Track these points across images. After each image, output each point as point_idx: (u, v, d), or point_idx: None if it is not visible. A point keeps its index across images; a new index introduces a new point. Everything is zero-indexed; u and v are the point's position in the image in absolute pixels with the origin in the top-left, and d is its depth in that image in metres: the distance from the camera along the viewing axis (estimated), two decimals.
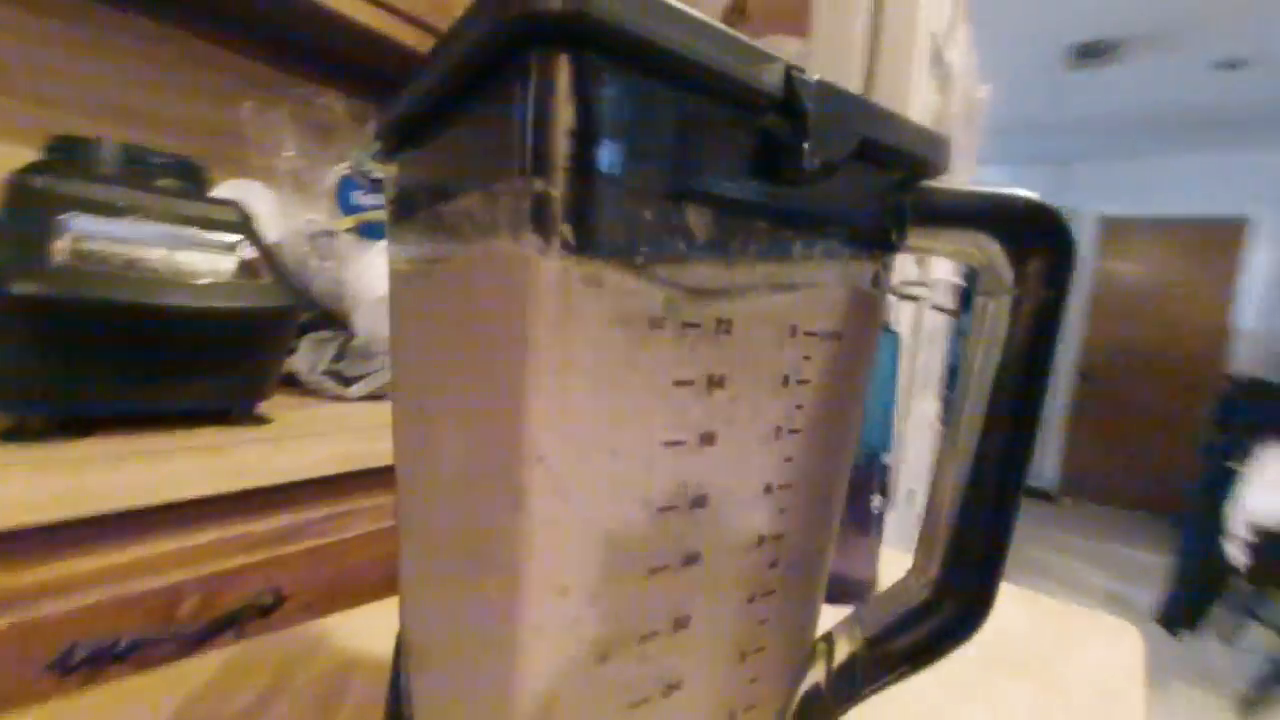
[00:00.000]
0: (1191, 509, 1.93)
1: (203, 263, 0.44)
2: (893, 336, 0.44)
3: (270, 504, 0.49)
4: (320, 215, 0.77)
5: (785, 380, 0.17)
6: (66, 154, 0.44)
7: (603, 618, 0.15)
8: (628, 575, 0.15)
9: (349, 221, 0.74)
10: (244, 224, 0.50)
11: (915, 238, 0.20)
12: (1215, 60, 2.37)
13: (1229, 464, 1.62)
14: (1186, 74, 2.48)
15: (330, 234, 0.74)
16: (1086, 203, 3.56)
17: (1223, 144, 3.23)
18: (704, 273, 0.15)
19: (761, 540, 0.18)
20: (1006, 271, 0.21)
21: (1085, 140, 3.31)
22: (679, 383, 0.15)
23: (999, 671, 0.36)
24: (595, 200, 0.13)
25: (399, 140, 0.20)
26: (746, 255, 0.16)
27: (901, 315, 1.04)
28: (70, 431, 0.43)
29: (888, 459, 0.40)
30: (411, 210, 0.20)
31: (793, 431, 0.18)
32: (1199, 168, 3.34)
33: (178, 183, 0.49)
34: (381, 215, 0.76)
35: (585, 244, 0.13)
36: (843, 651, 0.21)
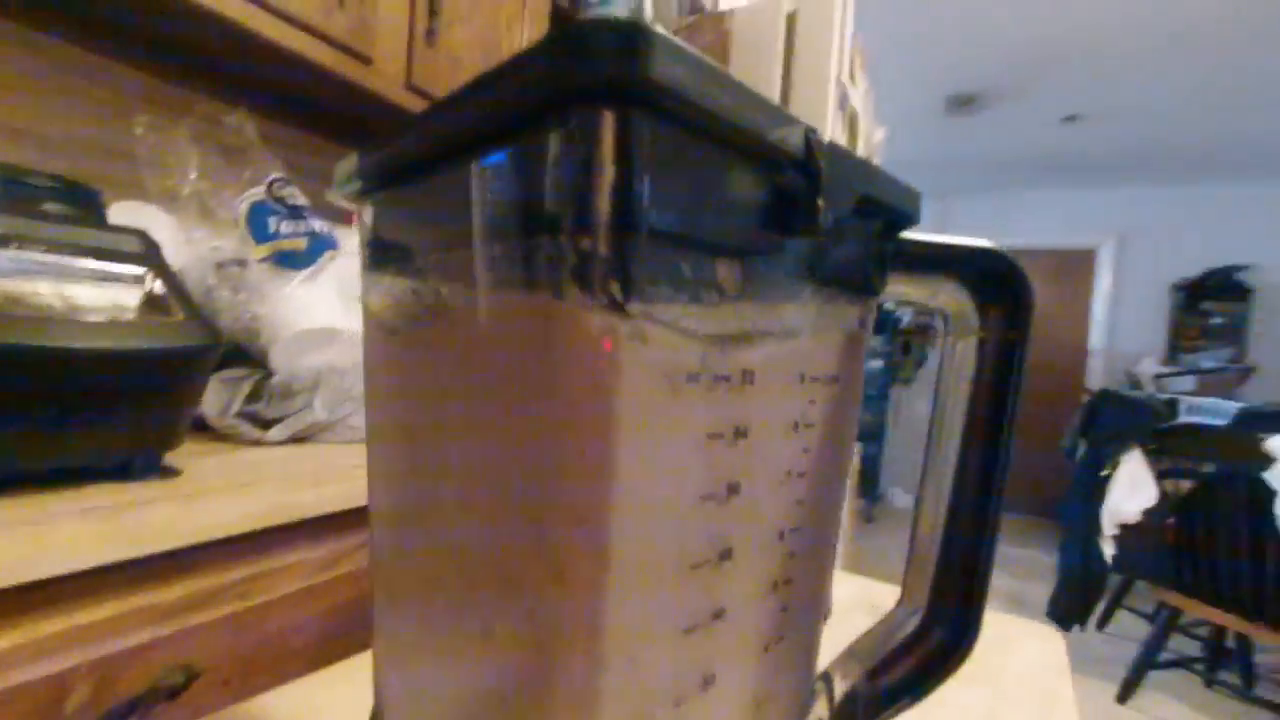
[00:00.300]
0: (1068, 512, 2.14)
1: (100, 298, 0.39)
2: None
3: (180, 568, 0.44)
4: (228, 243, 0.71)
5: (795, 426, 0.18)
6: None
7: (642, 686, 0.14)
8: (665, 637, 0.15)
9: (263, 250, 0.69)
10: (149, 254, 0.45)
11: (893, 284, 0.21)
12: (1061, 114, 2.74)
13: (1101, 473, 1.82)
14: (1038, 124, 2.85)
15: (241, 263, 0.69)
16: (963, 234, 3.94)
17: (1073, 184, 3.71)
18: (732, 324, 0.15)
19: (775, 587, 0.18)
20: (973, 315, 0.22)
21: (961, 178, 3.70)
22: (712, 435, 0.15)
23: (952, 681, 0.38)
24: (638, 256, 0.13)
25: (382, 182, 0.19)
26: (767, 303, 0.16)
27: None
28: None
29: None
30: (399, 256, 0.19)
31: (800, 475, 0.18)
32: (1055, 203, 3.81)
33: (67, 208, 0.43)
34: (300, 244, 0.71)
35: (629, 299, 0.12)
36: (841, 688, 0.22)
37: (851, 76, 1.27)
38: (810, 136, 0.15)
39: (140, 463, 0.44)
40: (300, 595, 0.52)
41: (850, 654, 0.23)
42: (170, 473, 0.46)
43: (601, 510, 0.13)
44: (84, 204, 0.44)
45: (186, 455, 0.51)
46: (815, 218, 0.16)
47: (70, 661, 0.38)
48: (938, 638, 0.22)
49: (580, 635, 0.13)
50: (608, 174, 0.12)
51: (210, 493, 0.47)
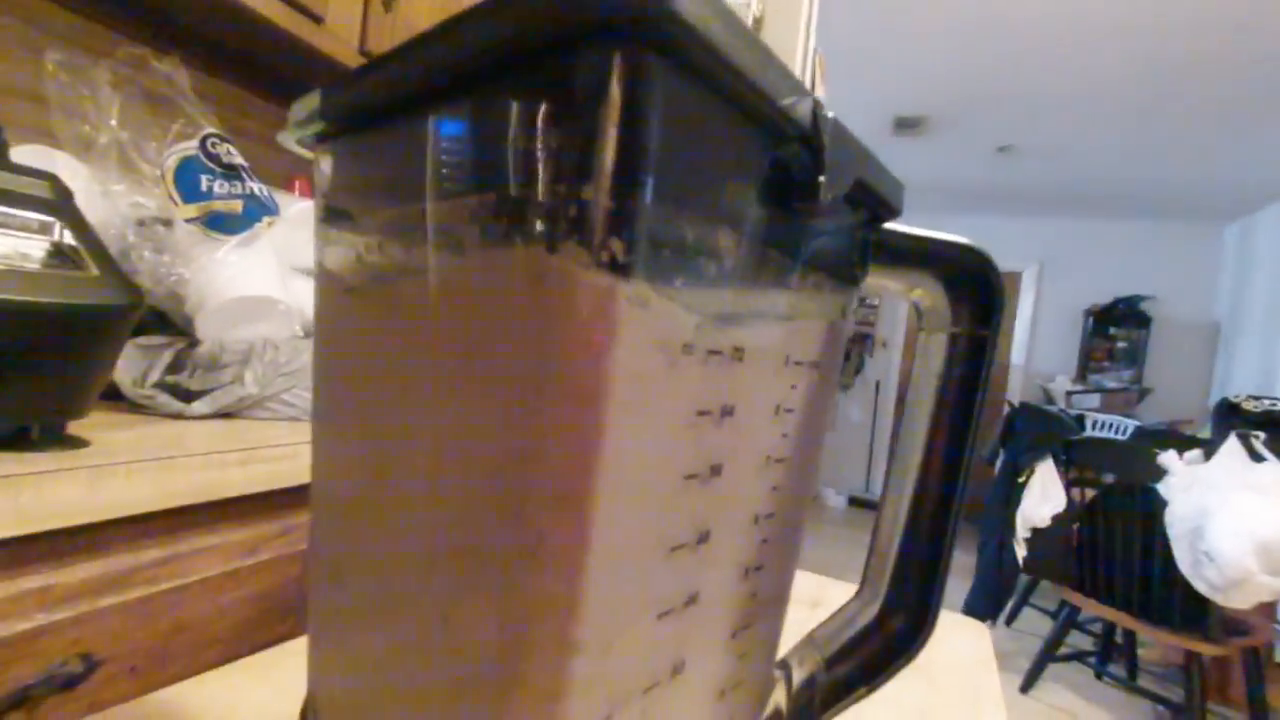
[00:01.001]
0: (987, 516, 2.28)
1: (3, 245, 0.35)
2: None
3: (82, 548, 0.40)
4: (151, 200, 0.65)
5: (777, 409, 0.17)
6: None
7: (614, 673, 0.14)
8: (640, 622, 0.14)
9: (192, 210, 0.63)
10: (59, 202, 0.40)
11: (873, 275, 0.21)
12: (996, 144, 2.91)
13: (1019, 480, 1.94)
14: (976, 152, 3.02)
15: (166, 223, 0.63)
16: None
17: (1002, 211, 3.95)
18: (727, 298, 0.14)
19: (747, 573, 0.18)
20: (947, 311, 0.23)
21: (907, 198, 3.87)
22: (701, 412, 0.14)
23: None
24: (644, 215, 0.12)
25: (350, 123, 0.17)
26: (760, 283, 0.15)
27: None
28: None
29: None
30: (361, 208, 0.17)
31: (778, 460, 0.18)
32: (985, 228, 4.03)
33: None
34: (235, 206, 0.66)
35: (632, 261, 0.12)
36: (800, 676, 0.22)
37: (812, 86, 1.29)
38: (818, 109, 0.15)
39: (40, 430, 0.39)
40: (220, 580, 0.48)
41: (809, 642, 0.23)
42: (76, 443, 0.42)
43: (586, 486, 0.12)
44: None
45: (96, 426, 0.47)
46: (815, 194, 0.15)
47: None
48: (895, 626, 0.22)
49: (553, 619, 0.12)
50: (617, 121, 0.11)
51: (121, 467, 0.43)
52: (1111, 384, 3.67)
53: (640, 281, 0.12)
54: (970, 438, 0.23)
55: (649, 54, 0.11)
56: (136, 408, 0.55)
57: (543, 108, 0.12)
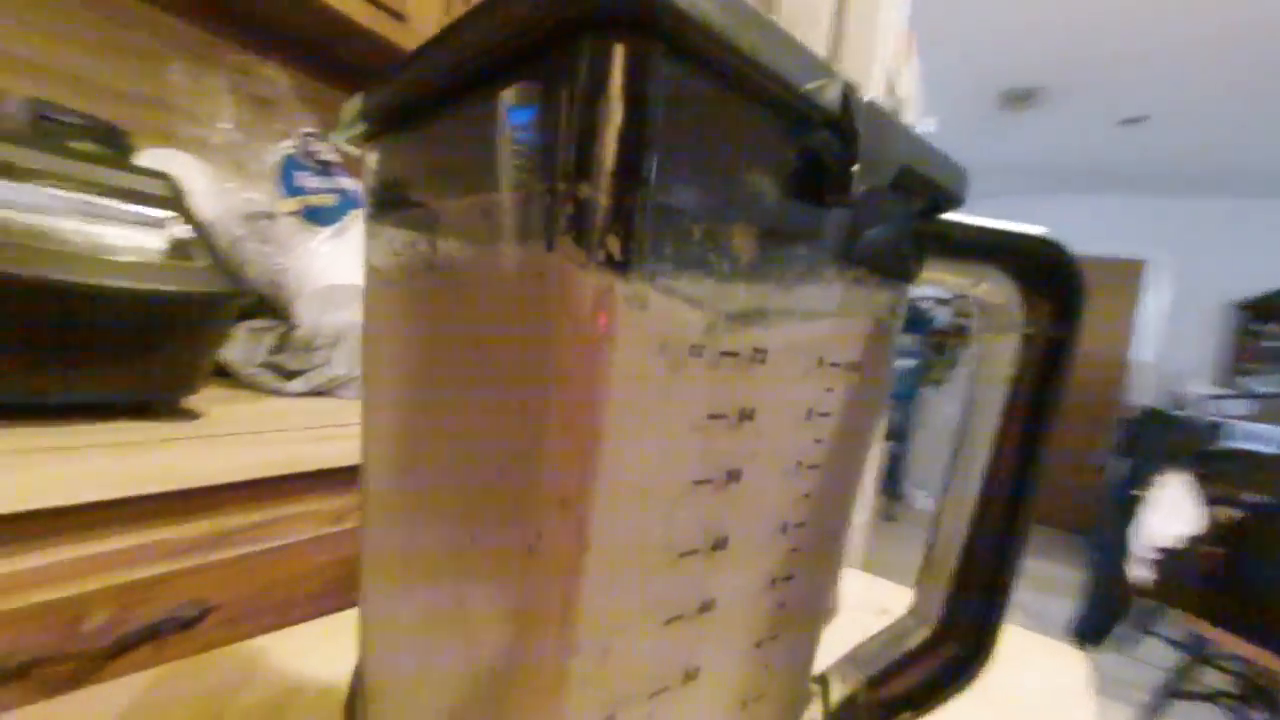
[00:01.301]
0: (1100, 532, 2.07)
1: (125, 238, 0.40)
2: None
3: (195, 508, 0.45)
4: (259, 195, 0.71)
5: (809, 413, 0.16)
6: None
7: (615, 674, 0.13)
8: (644, 626, 0.14)
9: (292, 204, 0.69)
10: (176, 199, 0.45)
11: (930, 269, 0.20)
12: (1122, 115, 2.59)
13: (1133, 491, 1.75)
14: (1096, 125, 2.70)
15: (270, 216, 0.69)
16: None
17: (1126, 190, 3.53)
18: (745, 297, 0.14)
19: (774, 582, 0.17)
20: (1017, 310, 0.20)
21: (1006, 181, 3.55)
22: (713, 415, 0.13)
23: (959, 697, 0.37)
24: (642, 210, 0.11)
25: (386, 123, 0.18)
26: (786, 280, 0.14)
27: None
28: None
29: None
30: (399, 203, 0.18)
31: (812, 467, 0.17)
32: (1105, 210, 3.63)
33: (96, 147, 0.43)
34: (329, 200, 0.71)
35: (631, 259, 0.11)
36: (838, 693, 0.21)
37: (901, 60, 1.21)
38: (850, 93, 0.13)
39: (159, 403, 0.45)
40: (308, 544, 0.52)
41: (851, 659, 0.21)
42: (189, 416, 0.47)
43: (584, 488, 0.12)
44: (113, 145, 0.44)
45: (208, 401, 0.52)
46: (848, 187, 0.14)
47: (90, 586, 0.39)
48: (950, 651, 0.20)
49: (553, 616, 0.12)
50: (615, 115, 0.11)
51: (228, 436, 0.47)
52: (1262, 389, 3.22)
53: (639, 281, 0.11)
54: (1042, 450, 0.20)
55: (643, 45, 0.10)
56: (244, 385, 0.61)
57: (542, 105, 0.12)
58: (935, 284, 0.21)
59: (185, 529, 0.45)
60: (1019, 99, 2.55)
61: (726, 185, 0.13)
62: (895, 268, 0.19)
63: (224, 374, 0.61)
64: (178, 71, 0.61)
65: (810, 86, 0.13)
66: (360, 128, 0.18)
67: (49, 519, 0.37)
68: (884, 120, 0.15)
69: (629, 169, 0.11)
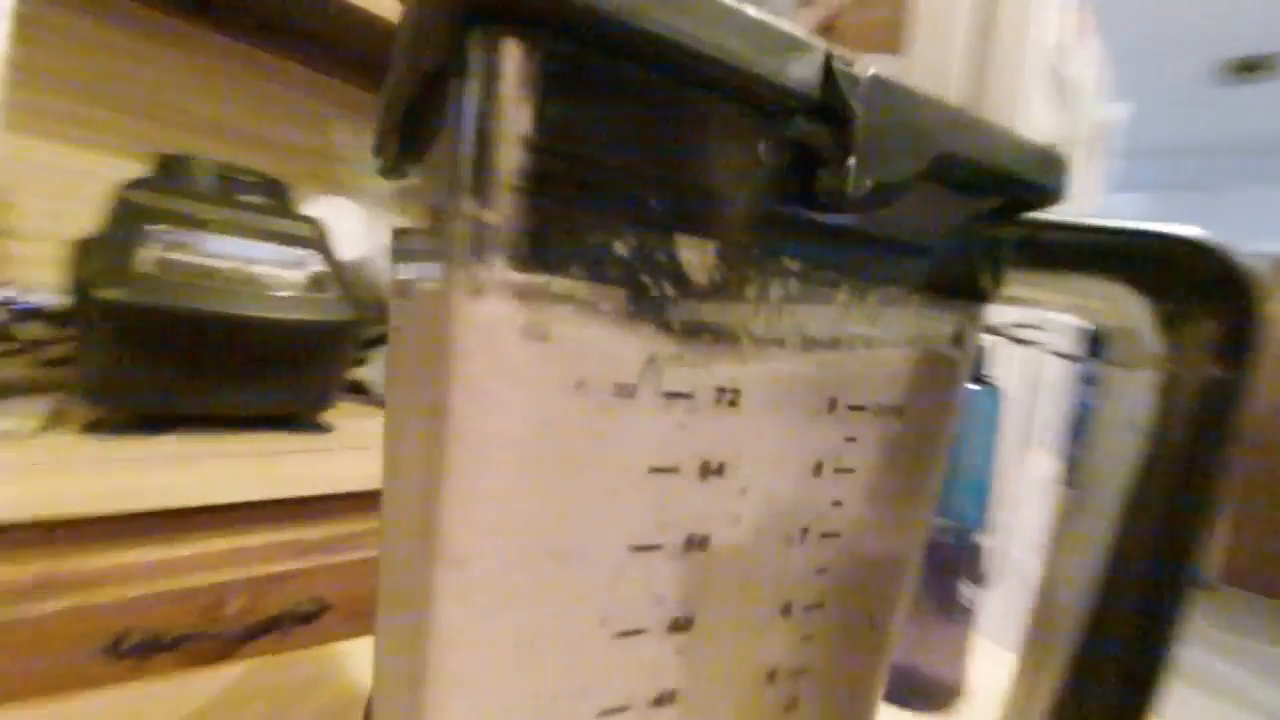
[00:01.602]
0: None
1: (276, 275, 0.46)
2: (993, 391, 0.38)
3: (320, 512, 0.50)
4: None
5: (818, 469, 0.13)
6: (167, 170, 0.47)
7: None
8: (571, 714, 0.11)
9: None
10: (317, 239, 0.51)
11: (1016, 285, 0.15)
12: None
13: None
14: None
15: None
16: (1241, 238, 3.08)
17: None
18: (701, 325, 0.11)
19: (773, 675, 0.14)
20: (1153, 337, 0.15)
21: (1238, 164, 2.90)
22: (658, 470, 0.11)
23: None
24: (550, 228, 0.10)
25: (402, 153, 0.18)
26: (766, 303, 0.12)
27: (1007, 360, 0.92)
28: (148, 428, 0.46)
29: (982, 538, 0.34)
30: (397, 233, 0.18)
31: (828, 535, 0.14)
32: None
33: (263, 200, 0.51)
34: None
35: (532, 285, 0.10)
36: None
37: (1073, 38, 1.04)
38: (834, 66, 0.11)
39: (299, 417, 0.50)
40: None
41: None
42: (323, 429, 0.53)
43: (468, 544, 0.10)
44: (274, 195, 0.51)
45: (342, 416, 0.58)
46: (845, 184, 0.11)
47: (230, 576, 0.45)
48: None
49: (445, 686, 0.11)
50: (510, 118, 0.09)
51: (353, 448, 0.52)
52: None
53: (539, 308, 0.10)
54: (1198, 530, 0.15)
55: (541, 37, 0.09)
56: (377, 403, 0.67)
57: (444, 107, 0.10)
58: (1027, 304, 0.16)
59: (311, 531, 0.50)
60: (1249, 69, 2.10)
61: (666, 192, 0.10)
62: (961, 284, 0.15)
63: (361, 390, 0.68)
64: (340, 129, 0.70)
65: (773, 70, 0.10)
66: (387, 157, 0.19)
67: (200, 515, 0.43)
68: (900, 98, 0.11)
69: (529, 181, 0.09)
